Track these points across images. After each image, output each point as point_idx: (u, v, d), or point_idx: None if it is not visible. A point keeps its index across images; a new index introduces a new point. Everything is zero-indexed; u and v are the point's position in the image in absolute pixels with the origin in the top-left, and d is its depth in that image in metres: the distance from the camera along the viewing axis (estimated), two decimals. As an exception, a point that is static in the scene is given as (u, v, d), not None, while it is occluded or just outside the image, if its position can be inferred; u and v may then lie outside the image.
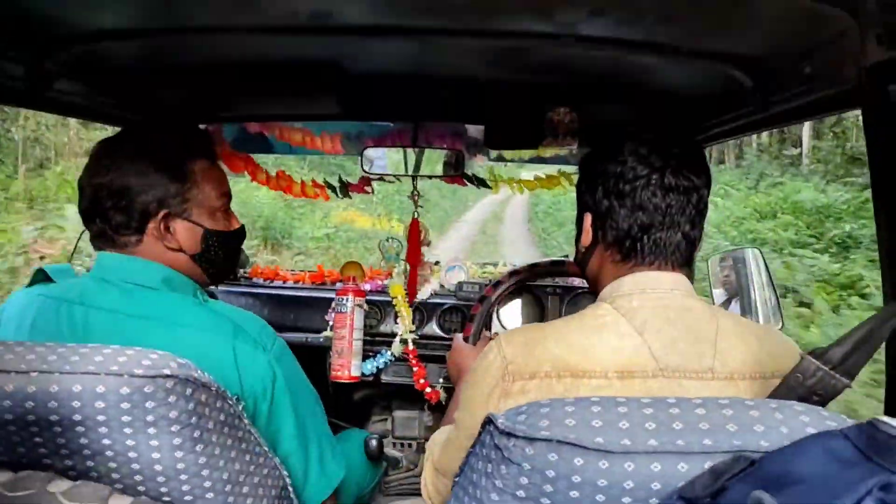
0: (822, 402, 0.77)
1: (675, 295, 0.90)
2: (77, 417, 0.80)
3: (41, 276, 1.18)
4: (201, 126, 1.79)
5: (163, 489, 0.88)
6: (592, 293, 1.03)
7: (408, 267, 1.97)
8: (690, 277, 0.95)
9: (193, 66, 1.44)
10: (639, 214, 0.92)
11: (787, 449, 0.61)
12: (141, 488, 0.87)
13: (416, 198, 1.83)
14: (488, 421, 0.74)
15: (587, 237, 1.00)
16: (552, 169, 1.86)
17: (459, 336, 1.54)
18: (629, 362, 0.85)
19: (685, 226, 0.92)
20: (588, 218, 1.00)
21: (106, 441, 0.83)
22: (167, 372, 0.83)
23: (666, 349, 0.85)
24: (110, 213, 1.07)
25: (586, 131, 1.56)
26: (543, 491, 0.68)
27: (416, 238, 1.85)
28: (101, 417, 0.80)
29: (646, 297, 0.90)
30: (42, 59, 1.22)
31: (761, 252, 1.73)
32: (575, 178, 1.83)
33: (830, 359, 0.77)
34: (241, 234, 1.25)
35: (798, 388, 0.78)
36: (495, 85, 1.52)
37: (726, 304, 1.88)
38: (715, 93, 1.33)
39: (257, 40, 1.27)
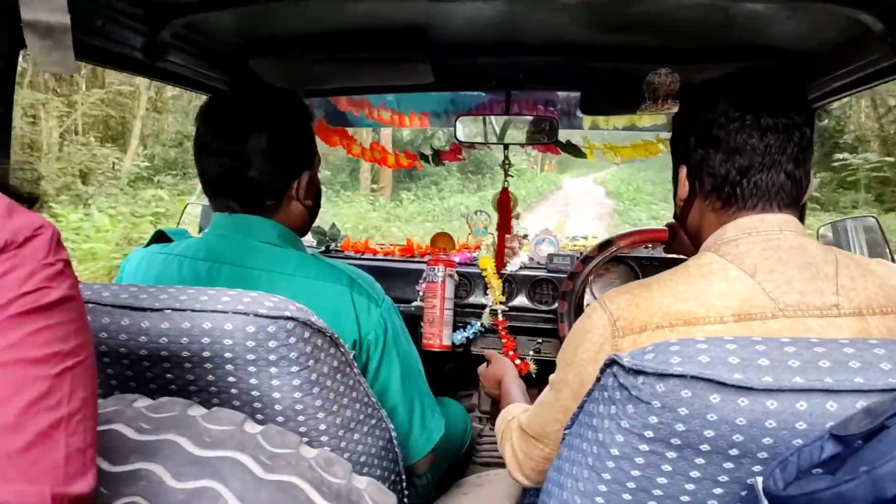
0: None
1: (785, 235, 0.84)
2: (206, 354, 0.84)
3: (158, 237, 1.24)
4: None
5: (282, 428, 0.91)
6: None
7: (496, 239, 1.96)
8: (799, 218, 0.89)
9: (290, 36, 1.48)
10: (736, 158, 0.87)
11: None
12: (271, 424, 0.90)
13: (506, 167, 1.81)
14: (611, 362, 0.72)
15: (683, 189, 0.96)
16: (649, 136, 1.80)
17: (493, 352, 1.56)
18: (745, 304, 0.80)
19: (788, 165, 0.86)
20: (683, 170, 0.95)
21: (231, 378, 0.86)
22: (288, 314, 0.85)
23: (781, 289, 0.80)
24: (257, 178, 1.11)
25: (688, 94, 1.50)
26: (674, 430, 0.66)
27: (506, 207, 1.83)
28: (228, 354, 0.84)
29: (752, 241, 0.85)
30: (157, 30, 1.29)
31: (877, 220, 1.61)
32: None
33: None
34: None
35: None
36: (592, 48, 1.48)
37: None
38: (835, 42, 1.24)
39: (353, 8, 1.29)
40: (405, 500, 1.18)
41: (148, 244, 1.24)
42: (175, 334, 0.84)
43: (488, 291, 1.89)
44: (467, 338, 1.87)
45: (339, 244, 2.20)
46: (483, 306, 1.88)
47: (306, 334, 0.88)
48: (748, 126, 0.86)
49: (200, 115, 1.15)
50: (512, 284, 1.92)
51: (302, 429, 0.92)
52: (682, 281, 0.86)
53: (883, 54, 1.12)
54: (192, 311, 0.84)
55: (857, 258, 0.87)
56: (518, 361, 1.86)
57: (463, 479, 1.66)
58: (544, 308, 1.87)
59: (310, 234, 2.23)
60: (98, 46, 1.19)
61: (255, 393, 0.88)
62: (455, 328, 1.84)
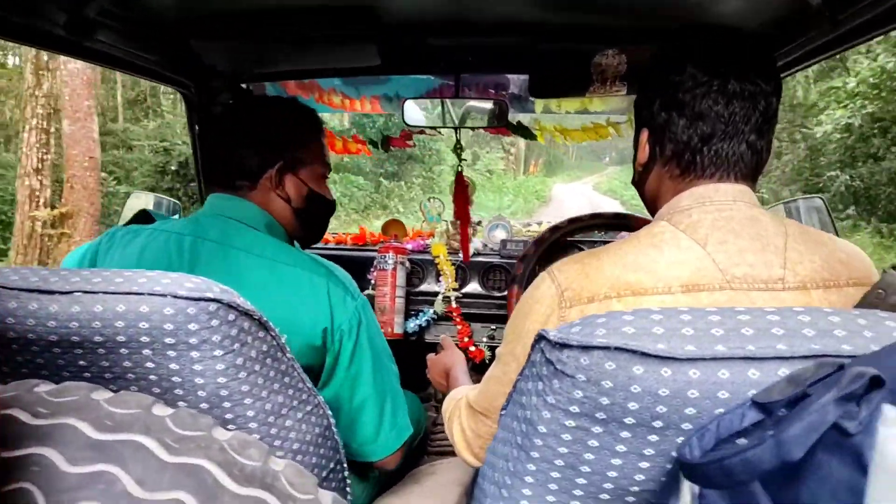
0: None
1: (739, 206, 0.83)
2: (121, 338, 0.79)
3: (143, 218, 1.28)
4: (243, 85, 1.79)
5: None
6: None
7: (450, 226, 1.94)
8: (755, 190, 0.88)
9: (229, 15, 1.42)
10: (699, 124, 0.84)
11: (879, 353, 0.55)
12: (183, 404, 0.86)
13: (459, 151, 1.78)
14: (539, 338, 0.70)
15: (643, 154, 0.93)
16: (600, 119, 1.79)
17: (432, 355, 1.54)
18: (694, 275, 0.79)
19: (750, 135, 0.84)
20: (644, 133, 0.93)
21: (150, 364, 0.82)
22: (210, 295, 0.81)
23: (732, 260, 0.79)
24: (235, 159, 1.20)
25: (636, 75, 1.49)
26: (599, 404, 0.64)
27: (462, 193, 1.80)
28: (144, 338, 0.79)
29: (706, 210, 0.83)
30: (81, 5, 1.23)
31: (824, 201, 1.62)
32: (623, 128, 1.76)
33: None
34: (333, 205, 1.36)
35: (880, 305, 0.71)
36: (541, 29, 1.46)
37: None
38: (778, 18, 1.24)
39: None
40: (347, 489, 1.15)
41: (129, 222, 1.25)
42: (86, 318, 0.79)
43: (441, 278, 1.86)
44: (420, 325, 1.85)
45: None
46: (436, 293, 1.86)
47: (231, 317, 0.84)
48: (714, 91, 0.84)
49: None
50: (465, 271, 1.90)
51: (228, 415, 0.88)
52: (632, 250, 0.84)
53: (822, 30, 1.12)
54: (105, 293, 0.79)
55: (808, 230, 0.86)
56: (473, 348, 1.84)
57: (416, 469, 1.63)
58: (497, 294, 1.86)
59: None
60: (15, 21, 1.13)
61: (175, 379, 0.84)
62: (408, 316, 1.81)
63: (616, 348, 0.61)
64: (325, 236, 2.13)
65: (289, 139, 1.24)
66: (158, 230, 1.15)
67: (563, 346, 0.65)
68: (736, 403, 0.59)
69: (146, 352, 0.81)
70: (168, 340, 0.80)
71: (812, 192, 11.62)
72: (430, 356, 1.50)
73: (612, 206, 16.69)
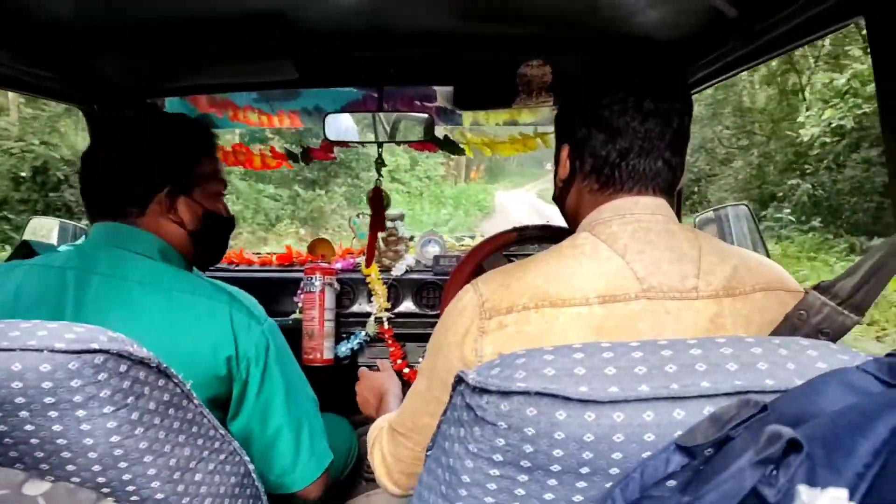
0: (830, 341, 0.69)
1: (656, 219, 0.85)
2: None
3: (24, 251, 1.17)
4: (148, 101, 1.68)
5: (100, 479, 0.78)
6: None
7: (381, 244, 1.88)
8: (672, 205, 0.90)
9: (131, 25, 1.32)
10: (617, 140, 0.87)
11: (800, 389, 0.53)
12: (76, 479, 0.77)
13: (379, 166, 1.72)
14: (458, 380, 0.65)
15: (564, 169, 0.94)
16: (528, 130, 1.76)
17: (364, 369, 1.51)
18: (611, 286, 0.79)
19: (665, 151, 0.87)
20: (565, 149, 0.94)
21: (29, 427, 0.73)
22: (95, 346, 0.73)
23: (649, 270, 0.80)
24: (119, 185, 1.11)
25: (562, 86, 1.47)
26: (523, 452, 0.59)
27: (379, 205, 1.74)
28: (19, 399, 0.70)
29: (626, 222, 0.85)
30: None
31: (749, 207, 1.65)
32: (550, 138, 1.74)
33: (838, 293, 0.69)
34: (232, 222, 1.30)
35: (802, 326, 0.70)
36: (463, 39, 1.42)
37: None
38: (697, 30, 1.24)
39: None
40: None
41: (10, 257, 1.15)
42: None
43: (373, 298, 1.80)
44: (352, 349, 1.78)
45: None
46: (368, 314, 1.79)
47: (122, 368, 0.76)
48: (631, 109, 0.86)
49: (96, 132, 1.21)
50: (398, 289, 1.84)
51: (125, 476, 0.79)
52: (554, 261, 0.85)
53: (741, 42, 1.13)
54: None
55: (718, 243, 0.89)
56: (407, 370, 1.79)
57: (351, 500, 1.56)
58: (432, 313, 1.81)
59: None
60: None
61: (61, 441, 0.74)
62: (338, 340, 1.74)
63: (537, 393, 0.57)
64: (248, 257, 2.03)
65: (177, 159, 1.15)
66: (37, 265, 1.06)
67: (483, 391, 0.60)
68: (662, 445, 0.56)
69: (23, 414, 0.72)
70: (47, 400, 0.71)
71: (768, 201, 11.19)
72: (364, 370, 1.44)
73: (549, 209, 16.48)
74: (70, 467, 0.77)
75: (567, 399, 0.56)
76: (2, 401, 0.70)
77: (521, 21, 1.33)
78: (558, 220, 1.12)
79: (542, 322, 0.79)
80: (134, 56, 1.46)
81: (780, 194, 11.06)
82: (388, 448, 1.01)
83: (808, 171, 10.59)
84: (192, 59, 1.48)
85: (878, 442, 0.37)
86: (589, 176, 0.90)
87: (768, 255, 1.60)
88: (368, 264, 1.78)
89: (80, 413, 0.73)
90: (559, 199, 1.00)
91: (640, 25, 1.27)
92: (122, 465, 0.79)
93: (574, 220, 0.95)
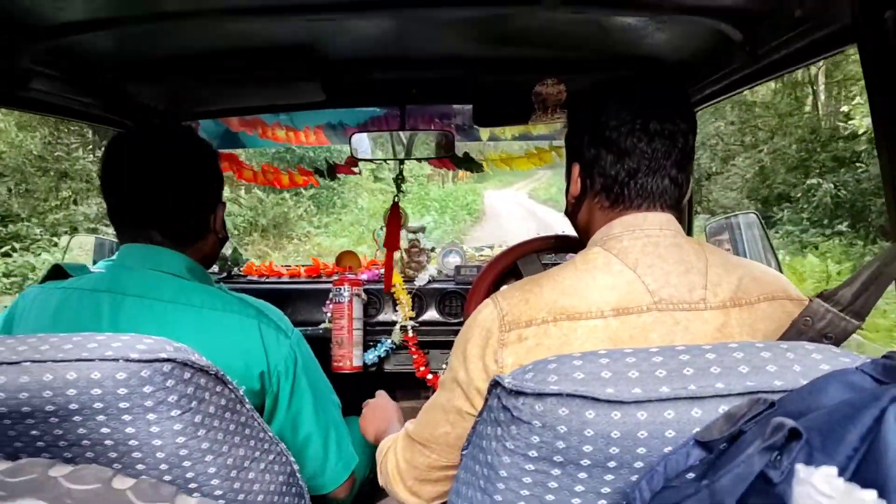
0: (834, 346, 0.75)
1: (665, 234, 0.90)
2: (73, 406, 0.78)
3: (56, 273, 1.21)
4: (183, 123, 1.77)
5: (166, 476, 0.86)
6: None
7: (404, 254, 1.95)
8: (680, 220, 0.95)
9: (167, 57, 1.41)
10: (625, 160, 0.92)
11: (805, 388, 0.60)
12: (144, 477, 0.85)
13: (399, 182, 1.80)
14: (494, 384, 0.72)
15: (576, 187, 1.00)
16: (543, 144, 1.84)
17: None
18: (624, 299, 0.85)
19: (672, 170, 0.92)
20: (576, 168, 0.99)
21: (105, 429, 0.81)
22: (164, 356, 0.81)
23: (659, 282, 0.85)
24: (183, 209, 1.14)
25: (573, 106, 1.54)
26: (556, 448, 0.66)
27: (395, 222, 1.82)
28: (98, 405, 0.78)
29: (636, 237, 0.90)
30: (13, 56, 1.20)
31: (758, 216, 1.71)
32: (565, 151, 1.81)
33: (840, 300, 0.75)
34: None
35: (808, 331, 0.77)
36: (481, 61, 1.50)
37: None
38: (703, 51, 1.31)
39: (234, 26, 1.25)
40: None
41: (43, 280, 1.18)
42: (36, 388, 0.77)
43: (398, 307, 1.87)
44: (379, 356, 1.85)
45: (241, 268, 2.13)
46: (393, 323, 1.87)
47: (186, 375, 0.83)
48: (637, 130, 0.91)
49: (121, 146, 1.15)
50: (421, 299, 1.92)
51: (189, 474, 0.87)
52: (569, 276, 0.90)
53: (745, 62, 1.19)
54: (54, 361, 0.78)
55: (724, 255, 0.94)
56: (430, 376, 1.86)
57: (380, 502, 1.63)
58: (454, 321, 1.88)
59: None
60: None
61: (133, 442, 0.82)
62: (366, 347, 1.81)
63: (568, 395, 0.64)
64: (277, 270, 2.12)
65: (220, 177, 1.21)
66: (73, 289, 1.10)
67: (518, 393, 0.67)
68: (682, 441, 0.63)
69: (100, 418, 0.80)
70: (122, 405, 0.79)
71: (776, 202, 10.38)
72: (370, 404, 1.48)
73: (556, 218, 15.25)
74: (140, 466, 0.84)
75: (596, 400, 0.63)
76: (82, 406, 0.78)
77: (532, 44, 1.40)
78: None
79: (560, 334, 0.84)
80: (171, 83, 1.55)
81: (799, 195, 10.23)
82: (403, 455, 1.05)
83: (824, 170, 9.84)
84: (225, 86, 1.57)
85: (864, 429, 0.44)
86: (599, 194, 0.95)
87: (778, 263, 1.66)
88: (387, 286, 1.84)
89: (151, 416, 0.81)
90: (571, 214, 1.05)
91: (650, 47, 1.34)
92: (186, 463, 0.86)
93: (586, 234, 1.00)
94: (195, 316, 1.07)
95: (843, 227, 9.09)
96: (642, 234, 0.90)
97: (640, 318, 0.84)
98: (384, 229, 2.07)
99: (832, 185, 9.34)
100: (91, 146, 9.60)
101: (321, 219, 12.79)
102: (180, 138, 1.19)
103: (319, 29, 1.30)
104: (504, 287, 0.97)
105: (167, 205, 1.14)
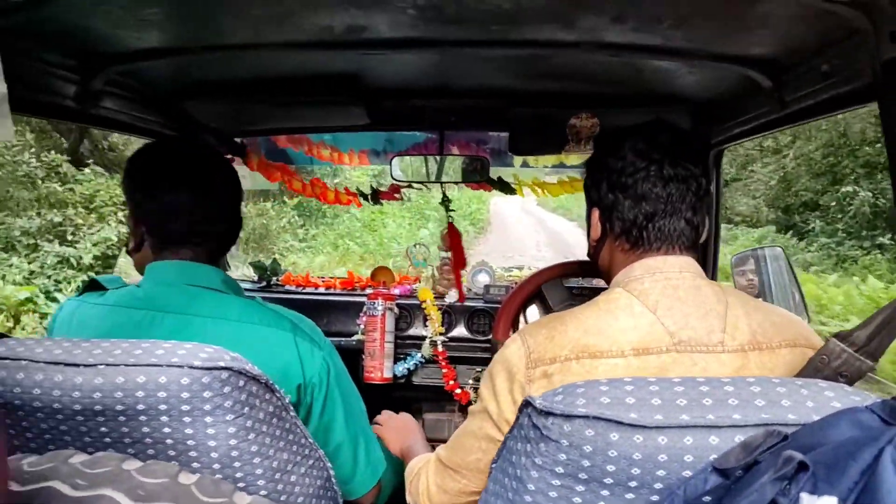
0: (848, 384, 0.80)
1: (684, 276, 0.94)
2: (140, 407, 0.86)
3: (91, 286, 1.23)
4: (236, 140, 1.88)
5: (218, 476, 0.93)
6: None
7: (435, 271, 2.02)
8: (704, 259, 0.99)
9: (227, 81, 1.52)
10: (642, 205, 0.97)
11: (817, 423, 0.65)
12: (197, 475, 0.92)
13: (446, 204, 1.89)
14: (526, 403, 0.78)
15: (596, 231, 1.05)
16: (575, 173, 1.90)
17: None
18: (644, 339, 0.89)
19: (687, 212, 0.97)
20: (595, 213, 1.04)
21: (167, 429, 0.88)
22: (222, 364, 0.88)
23: (679, 325, 0.89)
24: (223, 229, 1.21)
25: (599, 141, 1.60)
26: (581, 466, 0.72)
27: (457, 241, 1.91)
28: (162, 406, 0.86)
29: (656, 280, 0.94)
30: (90, 78, 1.30)
31: (783, 250, 1.75)
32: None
33: (855, 341, 0.79)
34: None
35: (824, 369, 0.81)
36: (518, 93, 1.58)
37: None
38: (733, 94, 1.37)
39: (288, 56, 1.34)
40: None
41: (80, 293, 1.22)
42: (109, 389, 0.85)
43: (428, 323, 1.94)
44: (408, 369, 1.92)
45: (280, 278, 2.22)
46: (423, 337, 1.94)
47: (241, 382, 0.91)
48: (653, 176, 0.96)
49: (150, 163, 1.16)
50: (451, 315, 1.98)
51: (238, 474, 0.95)
52: (592, 315, 0.95)
53: (772, 108, 1.24)
54: (126, 365, 0.86)
55: (747, 298, 0.98)
56: (459, 391, 1.92)
57: None
58: (482, 338, 1.94)
59: (251, 269, 2.25)
60: (29, 99, 1.20)
61: (190, 442, 0.90)
62: (396, 360, 1.88)
63: (594, 417, 0.70)
64: (314, 281, 2.20)
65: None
66: (108, 306, 1.14)
67: (548, 413, 0.73)
68: (699, 466, 0.68)
69: (164, 418, 0.87)
70: (184, 408, 0.87)
71: (808, 210, 9.61)
72: (385, 417, 1.55)
73: (566, 228, 14.85)
74: (195, 464, 0.92)
75: (620, 423, 0.69)
76: (148, 407, 0.86)
77: (568, 79, 1.47)
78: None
79: (583, 371, 0.90)
80: (225, 103, 1.65)
81: (831, 203, 9.51)
82: (434, 479, 1.10)
83: (858, 176, 9.07)
84: (275, 108, 1.66)
85: (864, 465, 0.49)
86: (619, 237, 1.00)
87: (802, 296, 1.69)
88: (461, 297, 1.92)
89: (208, 419, 0.89)
90: (593, 256, 1.10)
91: (681, 87, 1.40)
92: (237, 464, 0.94)
93: (608, 276, 1.06)
94: (234, 329, 1.11)
95: (884, 239, 8.48)
96: (662, 276, 0.94)
97: (660, 358, 0.88)
98: (416, 247, 2.15)
99: (870, 194, 8.72)
100: (33, 148, 8.22)
101: (308, 230, 11.75)
102: (217, 160, 1.22)
103: (366, 60, 1.38)
104: (530, 323, 1.02)
105: (207, 227, 1.18)
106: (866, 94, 0.95)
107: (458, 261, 1.94)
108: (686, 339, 0.89)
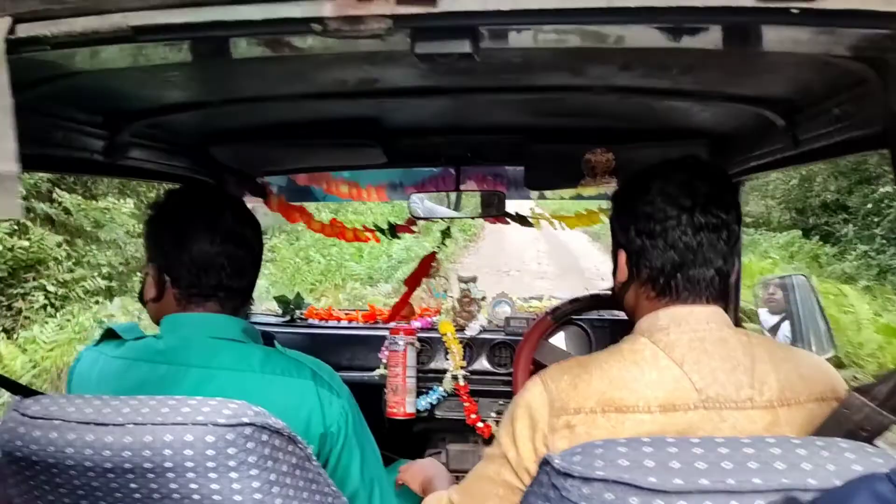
0: (870, 438, 0.79)
1: (710, 328, 0.92)
2: (168, 464, 0.88)
3: (107, 335, 1.23)
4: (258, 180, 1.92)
5: None
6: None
7: (456, 303, 2.04)
8: (726, 309, 0.97)
9: (249, 127, 1.56)
10: (671, 253, 0.95)
11: (836, 492, 0.64)
12: None
13: (445, 236, 1.92)
14: (545, 462, 0.78)
15: (622, 274, 1.03)
16: (592, 205, 1.91)
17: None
18: (671, 395, 0.88)
19: (717, 261, 0.95)
20: (622, 255, 1.02)
21: (193, 485, 0.90)
22: (246, 420, 0.90)
23: (706, 380, 0.88)
24: (247, 283, 1.22)
25: (624, 170, 1.61)
26: None
27: (426, 266, 1.98)
28: (189, 464, 0.88)
29: (682, 331, 0.92)
30: (117, 133, 1.35)
31: (808, 279, 1.73)
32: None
33: (877, 395, 0.78)
34: None
35: (846, 423, 0.80)
36: (533, 130, 1.60)
37: (776, 327, 1.88)
38: (747, 131, 1.37)
39: (305, 105, 1.38)
40: None
41: (97, 343, 1.22)
42: (138, 447, 0.88)
43: (449, 356, 1.95)
44: (431, 404, 1.92)
45: (303, 312, 2.25)
46: (444, 371, 1.94)
47: (264, 437, 0.93)
48: (683, 224, 0.94)
49: (181, 210, 1.18)
50: (472, 348, 1.98)
51: None
52: (616, 365, 0.93)
53: (786, 145, 1.24)
54: (153, 424, 0.88)
55: (774, 348, 0.96)
56: (481, 424, 1.92)
57: None
58: (504, 371, 1.94)
59: (275, 302, 2.28)
60: (55, 156, 1.24)
61: (216, 497, 0.92)
62: (418, 394, 1.89)
63: (613, 481, 0.70)
64: (337, 314, 2.23)
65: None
66: (127, 359, 1.14)
67: (567, 475, 0.74)
68: None
69: (190, 475, 0.89)
70: (210, 464, 0.89)
71: (829, 211, 9.16)
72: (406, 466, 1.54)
73: (568, 238, 13.48)
74: None
75: (639, 488, 0.69)
76: (176, 464, 0.88)
77: (583, 116, 1.48)
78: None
79: (609, 426, 0.87)
80: (247, 147, 1.70)
81: (870, 206, 8.78)
82: None
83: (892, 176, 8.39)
84: (295, 149, 1.71)
85: None
86: (646, 283, 0.98)
87: (828, 324, 1.66)
88: (390, 318, 1.97)
89: (233, 475, 0.91)
90: (618, 296, 1.08)
91: (696, 123, 1.41)
92: None
93: (633, 316, 1.03)
94: (257, 380, 1.11)
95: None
96: (688, 327, 0.92)
97: (687, 415, 0.86)
98: (436, 279, 2.16)
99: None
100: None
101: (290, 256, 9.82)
102: (246, 211, 1.23)
103: (382, 105, 1.41)
104: (550, 368, 1.00)
105: (236, 282, 1.19)
106: (878, 140, 0.94)
107: (414, 277, 1.98)
108: (714, 396, 0.87)
